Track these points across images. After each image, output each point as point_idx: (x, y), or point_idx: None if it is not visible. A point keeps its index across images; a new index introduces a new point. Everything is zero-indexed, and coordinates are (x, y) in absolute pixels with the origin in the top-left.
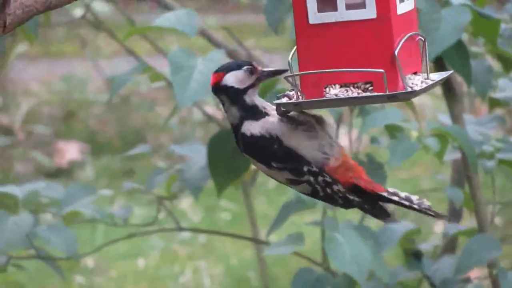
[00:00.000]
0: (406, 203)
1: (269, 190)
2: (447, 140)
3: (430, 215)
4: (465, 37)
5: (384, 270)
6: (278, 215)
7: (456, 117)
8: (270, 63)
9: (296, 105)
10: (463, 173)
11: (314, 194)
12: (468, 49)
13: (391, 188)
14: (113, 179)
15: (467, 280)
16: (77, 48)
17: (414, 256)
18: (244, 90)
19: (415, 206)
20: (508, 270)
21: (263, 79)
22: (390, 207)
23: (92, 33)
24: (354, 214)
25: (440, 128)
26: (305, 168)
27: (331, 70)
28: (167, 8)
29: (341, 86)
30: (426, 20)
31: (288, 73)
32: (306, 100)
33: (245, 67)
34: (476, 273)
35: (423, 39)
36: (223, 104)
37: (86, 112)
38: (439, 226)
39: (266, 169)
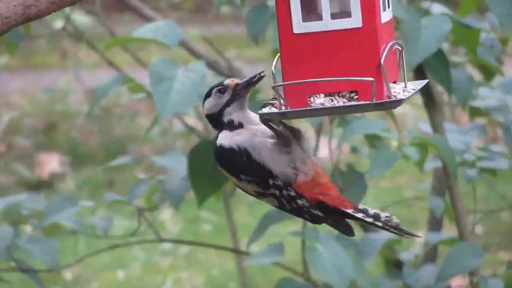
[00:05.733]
0: (370, 220)
1: (250, 201)
2: (427, 149)
3: (398, 233)
4: (446, 46)
5: (365, 280)
6: (258, 225)
7: (436, 126)
8: (252, 73)
9: (281, 114)
10: (444, 182)
11: (281, 207)
12: (449, 59)
13: (361, 206)
14: (95, 191)
15: None
16: (59, 60)
17: (395, 265)
18: (220, 112)
19: (379, 224)
20: (489, 278)
21: (240, 92)
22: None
23: (74, 44)
24: None
25: (420, 137)
26: (271, 182)
27: (318, 79)
28: (149, 19)
29: (325, 96)
30: (407, 29)
31: (273, 83)
32: (291, 110)
33: (214, 90)
34: (457, 281)
35: (400, 49)
36: None
37: (68, 123)
38: (420, 235)
39: (237, 181)
